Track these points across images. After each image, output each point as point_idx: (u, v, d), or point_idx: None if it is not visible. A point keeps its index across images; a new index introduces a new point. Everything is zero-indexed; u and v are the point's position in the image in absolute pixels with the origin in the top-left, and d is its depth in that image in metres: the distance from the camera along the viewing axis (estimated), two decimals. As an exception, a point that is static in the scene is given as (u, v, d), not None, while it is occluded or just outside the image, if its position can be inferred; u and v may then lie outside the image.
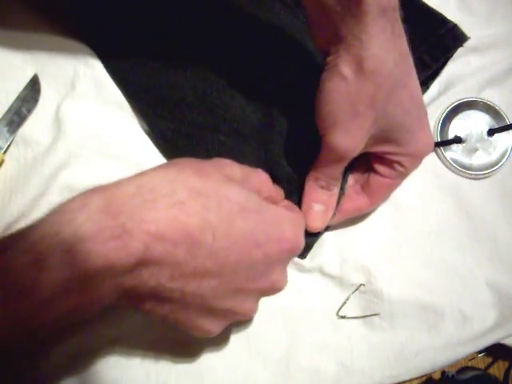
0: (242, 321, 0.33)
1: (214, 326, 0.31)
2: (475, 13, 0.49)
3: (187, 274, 0.27)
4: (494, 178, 0.45)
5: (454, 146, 0.45)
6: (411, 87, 0.35)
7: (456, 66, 0.47)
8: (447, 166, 0.45)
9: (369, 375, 0.39)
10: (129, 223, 0.25)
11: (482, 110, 0.46)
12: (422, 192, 0.44)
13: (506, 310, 0.41)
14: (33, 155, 0.41)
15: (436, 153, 0.45)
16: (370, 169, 0.39)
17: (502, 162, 0.45)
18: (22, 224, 0.38)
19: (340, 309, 0.41)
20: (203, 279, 0.28)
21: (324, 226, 0.39)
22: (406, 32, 0.42)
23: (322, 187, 0.38)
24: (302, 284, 0.41)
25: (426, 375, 0.41)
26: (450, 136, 0.45)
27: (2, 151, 0.41)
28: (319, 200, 0.39)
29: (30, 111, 0.42)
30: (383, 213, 0.43)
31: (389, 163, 0.38)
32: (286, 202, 0.37)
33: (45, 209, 0.39)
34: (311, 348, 0.39)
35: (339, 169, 0.37)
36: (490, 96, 0.47)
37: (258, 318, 0.40)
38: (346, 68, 0.32)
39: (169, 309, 0.29)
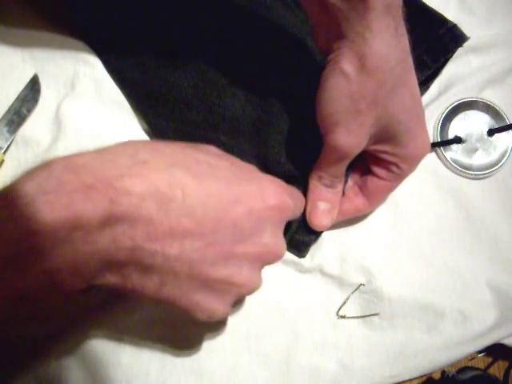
0: (246, 294, 0.30)
1: (216, 303, 0.29)
2: (475, 13, 0.49)
3: (164, 234, 0.25)
4: (493, 177, 0.45)
5: (454, 146, 0.45)
6: (411, 86, 0.34)
7: (456, 66, 0.47)
8: (447, 166, 0.45)
9: (369, 375, 0.39)
10: (91, 179, 0.24)
11: (481, 110, 0.46)
12: (422, 192, 0.44)
13: (506, 309, 0.41)
14: (33, 155, 0.41)
15: (436, 153, 0.45)
16: (367, 170, 0.39)
17: (502, 162, 0.45)
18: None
19: (340, 308, 0.41)
20: (184, 240, 0.26)
21: (331, 224, 0.39)
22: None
23: (326, 185, 0.38)
24: (301, 284, 0.41)
25: (425, 375, 0.41)
26: (450, 136, 0.45)
27: (2, 151, 0.41)
28: (324, 198, 0.38)
29: (29, 111, 0.42)
30: (383, 213, 0.43)
31: (386, 165, 0.37)
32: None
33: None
34: (311, 348, 0.39)
35: (342, 167, 0.37)
36: (490, 96, 0.47)
37: (257, 318, 0.40)
38: (348, 65, 0.32)
39: (158, 281, 0.26)
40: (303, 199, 0.37)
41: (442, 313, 0.40)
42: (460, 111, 0.46)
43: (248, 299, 0.39)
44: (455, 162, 0.45)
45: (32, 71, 0.43)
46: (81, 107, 0.42)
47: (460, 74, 0.47)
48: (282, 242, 0.31)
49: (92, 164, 0.25)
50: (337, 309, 0.41)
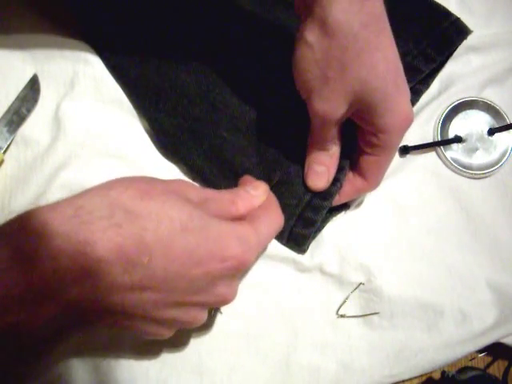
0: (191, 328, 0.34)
1: (161, 332, 0.32)
2: (475, 13, 0.49)
3: (125, 290, 0.28)
4: (494, 177, 0.45)
5: (455, 146, 0.45)
6: (385, 49, 0.34)
7: (456, 66, 0.47)
8: (447, 166, 0.45)
9: (369, 374, 0.39)
10: (64, 245, 0.26)
11: (482, 110, 0.46)
12: (422, 191, 0.44)
13: (506, 309, 0.41)
14: (33, 155, 0.41)
15: (436, 152, 0.45)
16: (358, 149, 0.39)
17: (502, 162, 0.45)
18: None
19: (340, 308, 0.40)
20: (142, 293, 0.28)
21: (326, 186, 0.39)
22: (409, 26, 0.42)
23: (319, 149, 0.39)
24: (301, 283, 0.41)
25: (425, 374, 0.41)
26: (451, 135, 0.45)
27: (2, 151, 0.41)
28: (319, 161, 0.39)
29: (29, 111, 0.42)
30: (383, 212, 0.43)
31: (369, 137, 0.37)
32: (263, 205, 0.35)
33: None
34: (311, 347, 0.39)
35: (329, 131, 0.37)
36: (490, 95, 0.47)
37: (257, 318, 0.40)
38: (310, 35, 0.33)
39: (113, 320, 0.30)
40: (280, 216, 0.36)
41: (441, 312, 0.40)
42: (460, 110, 0.46)
43: (248, 299, 0.39)
44: (455, 161, 0.45)
45: (32, 71, 0.43)
46: (80, 107, 0.42)
47: (460, 74, 0.47)
48: (234, 289, 0.33)
49: (68, 226, 0.27)
50: (336, 308, 0.41)
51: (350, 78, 0.33)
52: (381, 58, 0.33)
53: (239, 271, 0.32)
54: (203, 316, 0.33)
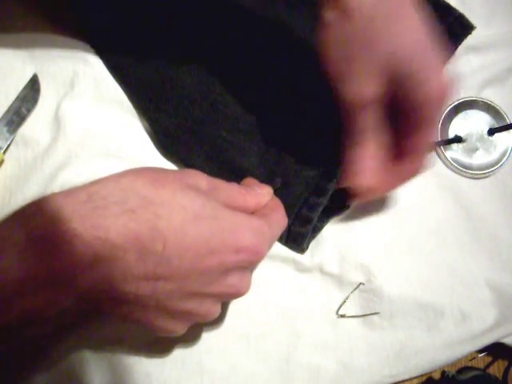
0: (204, 322, 0.33)
1: (175, 327, 0.31)
2: (475, 13, 0.49)
3: (138, 278, 0.27)
4: (494, 177, 0.45)
5: (455, 146, 0.45)
6: (409, 19, 0.33)
7: (456, 66, 0.47)
8: (447, 166, 0.45)
9: (368, 374, 0.39)
10: (79, 229, 0.26)
11: (482, 110, 0.46)
12: (422, 191, 0.44)
13: (506, 309, 0.41)
14: (33, 155, 0.41)
15: (436, 152, 0.45)
16: (398, 134, 0.36)
17: (502, 162, 0.45)
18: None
19: (340, 308, 0.40)
20: (156, 283, 0.28)
21: (375, 182, 0.37)
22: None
23: (360, 143, 0.36)
24: (301, 283, 0.41)
25: (425, 374, 0.41)
26: (451, 135, 0.45)
27: (2, 151, 0.41)
28: (364, 156, 0.36)
29: (29, 111, 0.42)
30: (383, 212, 0.43)
31: (408, 116, 0.35)
32: (269, 205, 0.35)
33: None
34: (311, 347, 0.39)
35: (365, 119, 0.35)
36: (490, 95, 0.47)
37: (257, 318, 0.40)
38: (329, 15, 0.32)
39: (127, 310, 0.29)
40: (285, 218, 0.36)
41: (441, 312, 0.40)
42: (460, 110, 0.46)
43: (248, 299, 0.39)
44: (455, 161, 0.45)
45: (32, 71, 0.43)
46: (80, 107, 0.42)
47: (460, 74, 0.47)
48: (247, 281, 0.32)
49: (81, 211, 0.27)
50: (336, 308, 0.41)
51: (377, 54, 0.32)
52: (407, 29, 0.33)
53: (252, 263, 0.32)
54: (217, 309, 0.32)
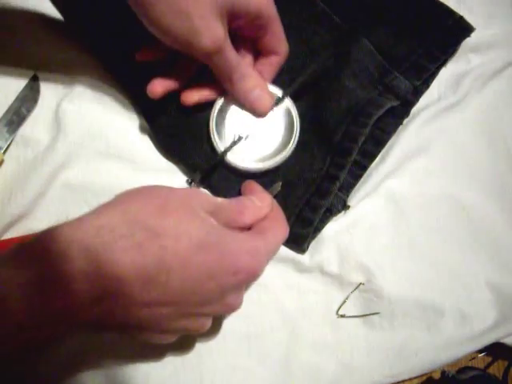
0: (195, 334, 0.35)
1: (167, 338, 0.33)
2: (475, 13, 0.49)
3: (142, 305, 0.28)
4: (494, 177, 0.45)
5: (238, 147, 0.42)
6: None
7: (456, 66, 0.47)
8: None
9: (368, 374, 0.39)
10: (86, 268, 0.27)
11: None
12: (422, 191, 0.44)
13: (506, 309, 0.41)
14: (32, 155, 0.41)
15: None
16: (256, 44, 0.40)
17: (294, 136, 0.42)
18: (22, 224, 0.39)
19: (340, 308, 0.40)
20: (157, 309, 0.29)
21: (270, 100, 0.41)
22: (414, 25, 0.42)
23: (237, 80, 0.39)
24: (301, 283, 0.41)
25: (425, 374, 0.41)
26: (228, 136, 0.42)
27: (2, 151, 0.41)
28: (247, 89, 0.39)
29: (29, 111, 0.42)
30: (383, 212, 0.43)
31: (255, 28, 0.38)
32: (269, 217, 0.36)
33: (45, 208, 0.39)
34: (311, 347, 0.39)
35: (231, 56, 0.37)
36: (489, 94, 0.46)
37: (257, 318, 0.40)
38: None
39: (124, 331, 0.31)
40: (286, 228, 0.36)
41: (441, 312, 0.40)
42: (225, 112, 0.43)
43: (248, 299, 0.39)
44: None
45: (32, 71, 0.43)
46: (80, 107, 0.42)
47: (460, 74, 0.47)
48: (241, 299, 0.34)
49: (91, 248, 0.27)
50: (336, 308, 0.41)
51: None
52: None
53: (248, 282, 0.33)
54: (208, 324, 0.34)
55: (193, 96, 0.41)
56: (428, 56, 0.44)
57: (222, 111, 0.42)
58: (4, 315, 0.26)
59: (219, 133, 0.41)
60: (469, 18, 0.45)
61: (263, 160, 0.41)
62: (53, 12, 0.44)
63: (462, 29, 0.45)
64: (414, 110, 0.46)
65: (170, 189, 0.32)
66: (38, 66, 0.43)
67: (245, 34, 0.39)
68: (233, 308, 0.33)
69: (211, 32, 0.35)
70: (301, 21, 0.45)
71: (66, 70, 0.43)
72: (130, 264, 0.27)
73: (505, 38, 0.48)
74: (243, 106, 0.41)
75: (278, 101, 0.42)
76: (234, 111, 0.42)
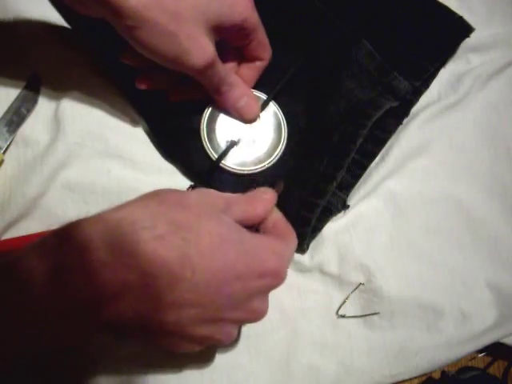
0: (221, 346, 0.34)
1: (192, 347, 0.31)
2: (475, 13, 0.49)
3: (166, 306, 0.27)
4: (493, 177, 0.45)
5: (233, 152, 0.43)
6: None
7: (456, 66, 0.47)
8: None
9: (368, 374, 0.39)
10: (107, 258, 0.26)
11: None
12: (422, 191, 0.44)
13: (506, 309, 0.41)
14: (32, 155, 0.41)
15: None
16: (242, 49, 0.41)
17: (282, 139, 0.43)
18: (22, 224, 0.39)
19: (340, 308, 0.40)
20: (182, 310, 0.28)
21: (257, 107, 0.42)
22: (413, 25, 0.42)
23: (225, 90, 0.40)
24: (301, 283, 0.41)
25: (425, 374, 0.41)
26: (220, 142, 0.43)
27: (2, 151, 0.41)
28: (235, 98, 0.41)
29: (29, 111, 0.42)
30: (383, 212, 0.43)
31: (239, 36, 0.39)
32: (281, 222, 0.36)
33: (45, 208, 0.39)
34: (311, 347, 0.39)
35: (219, 69, 0.38)
36: (490, 94, 0.47)
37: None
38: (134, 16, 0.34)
39: (147, 336, 0.30)
40: (295, 236, 0.36)
41: (441, 312, 0.40)
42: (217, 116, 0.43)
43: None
44: (243, 164, 0.42)
45: (32, 71, 0.43)
46: (80, 107, 0.42)
47: (460, 74, 0.47)
48: (266, 306, 0.33)
49: (111, 238, 0.26)
50: (336, 308, 0.41)
51: (200, 17, 0.35)
52: None
53: (273, 287, 0.32)
54: (235, 334, 0.33)
55: (179, 94, 0.42)
56: (427, 56, 0.44)
57: (212, 118, 0.42)
58: (29, 299, 0.25)
59: (211, 140, 0.42)
60: (469, 17, 0.45)
61: (257, 162, 0.42)
62: (53, 12, 0.44)
63: (462, 29, 0.45)
64: (414, 109, 0.46)
65: (183, 191, 0.32)
66: (38, 65, 0.43)
67: (230, 43, 0.40)
68: (258, 315, 0.32)
69: (200, 50, 0.35)
70: (300, 22, 0.45)
71: (66, 70, 0.43)
72: (153, 256, 0.26)
73: (505, 38, 0.48)
74: (231, 114, 0.42)
75: (264, 105, 0.43)
76: (223, 117, 0.43)
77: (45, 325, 0.26)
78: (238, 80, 0.41)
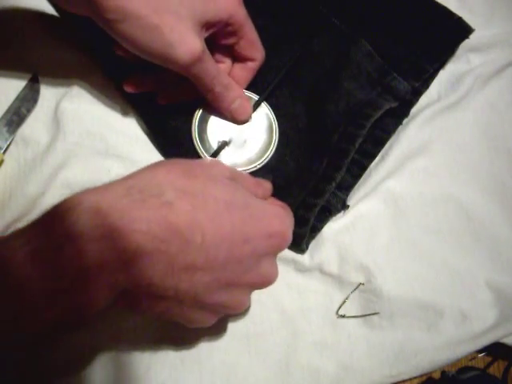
0: (234, 314, 0.34)
1: (207, 319, 0.32)
2: (475, 13, 0.49)
3: (179, 271, 0.27)
4: (493, 177, 0.45)
5: (225, 151, 0.43)
6: None
7: (456, 66, 0.47)
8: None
9: (368, 374, 0.39)
10: (119, 222, 0.26)
11: None
12: (422, 191, 0.44)
13: (506, 309, 0.41)
14: (32, 155, 0.41)
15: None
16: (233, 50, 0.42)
17: (274, 140, 0.44)
18: (22, 224, 0.39)
19: (339, 308, 0.40)
20: (195, 275, 0.28)
21: (249, 109, 0.42)
22: (413, 26, 0.42)
23: (218, 92, 0.40)
24: (301, 283, 0.41)
25: (425, 375, 0.41)
26: (212, 142, 0.43)
27: (2, 151, 0.41)
28: (229, 100, 0.41)
29: (29, 111, 0.42)
30: (383, 212, 0.43)
31: (228, 36, 0.40)
32: (273, 200, 0.37)
33: (45, 208, 0.39)
34: (311, 347, 0.39)
35: (209, 67, 0.38)
36: (490, 95, 0.47)
37: (257, 318, 0.40)
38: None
39: (164, 307, 0.29)
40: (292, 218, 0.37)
41: (441, 312, 0.40)
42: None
43: (248, 299, 0.40)
44: (235, 165, 0.43)
45: (31, 71, 0.43)
46: (80, 106, 0.42)
47: (460, 74, 0.47)
48: (275, 270, 0.33)
49: (121, 205, 0.27)
50: (336, 308, 0.41)
51: (185, 11, 0.35)
52: None
53: (281, 248, 0.33)
54: (247, 301, 0.33)
55: (168, 97, 0.42)
56: (427, 57, 0.44)
57: (203, 118, 0.43)
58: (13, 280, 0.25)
59: (202, 140, 0.42)
60: (469, 17, 0.45)
61: (249, 162, 0.42)
62: (53, 12, 0.44)
63: (461, 30, 0.45)
64: (414, 109, 0.46)
65: (190, 160, 0.32)
66: (37, 65, 0.43)
67: (220, 42, 0.40)
68: (269, 279, 0.33)
69: (186, 44, 0.35)
70: (300, 22, 0.45)
71: (66, 70, 0.43)
72: (164, 222, 0.27)
73: (505, 38, 0.48)
74: (224, 115, 0.42)
75: (256, 106, 0.43)
76: (214, 118, 0.43)
77: (48, 297, 0.25)
78: (231, 81, 0.41)
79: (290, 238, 0.33)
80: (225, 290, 0.30)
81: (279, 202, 0.37)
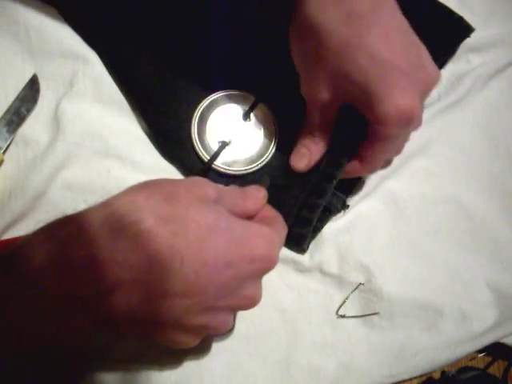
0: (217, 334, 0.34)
1: (190, 340, 0.32)
2: (475, 13, 0.49)
3: (157, 298, 0.28)
4: (493, 177, 0.45)
5: (225, 152, 0.43)
6: (369, 48, 0.34)
7: (456, 66, 0.47)
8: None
9: (368, 374, 0.39)
10: (97, 254, 0.26)
11: (236, 102, 0.44)
12: (422, 191, 0.44)
13: (506, 309, 0.41)
14: (32, 155, 0.41)
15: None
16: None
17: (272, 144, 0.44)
18: (22, 224, 0.39)
19: (339, 308, 0.40)
20: (174, 300, 0.28)
21: (305, 168, 0.41)
22: (413, 26, 0.42)
23: (307, 133, 0.41)
24: (301, 283, 0.41)
25: (425, 375, 0.41)
26: (209, 138, 0.43)
27: (2, 151, 0.41)
28: (303, 143, 0.41)
29: (29, 111, 0.42)
30: (383, 212, 0.43)
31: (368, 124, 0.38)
32: (267, 211, 0.36)
33: (45, 208, 0.39)
34: (311, 347, 0.39)
35: (315, 115, 0.40)
36: (490, 94, 0.47)
37: (257, 319, 0.40)
38: (291, 31, 0.38)
39: (143, 330, 0.30)
40: (284, 224, 0.36)
41: (441, 312, 0.40)
42: (214, 108, 0.44)
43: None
44: (233, 165, 0.43)
45: (31, 71, 0.43)
46: (80, 107, 0.42)
47: (460, 74, 0.47)
48: (259, 292, 0.33)
49: (98, 234, 0.27)
50: (336, 308, 0.41)
51: (327, 69, 0.36)
52: (364, 56, 0.34)
53: (266, 271, 0.32)
54: (230, 321, 0.33)
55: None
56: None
57: (203, 118, 0.43)
58: (25, 290, 0.26)
59: (202, 140, 0.42)
60: (469, 17, 0.45)
61: (249, 162, 0.43)
62: (53, 12, 0.44)
63: (462, 29, 0.45)
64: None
65: (174, 180, 0.32)
66: (37, 65, 0.43)
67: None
68: (252, 301, 0.32)
69: (310, 87, 0.38)
70: None
71: (66, 70, 0.43)
72: (142, 251, 0.27)
73: (505, 38, 0.48)
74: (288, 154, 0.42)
75: (253, 105, 0.43)
76: (213, 118, 0.43)
77: (39, 321, 0.26)
78: (320, 141, 0.41)
79: (275, 259, 0.32)
80: (206, 313, 0.30)
81: (272, 213, 0.36)
